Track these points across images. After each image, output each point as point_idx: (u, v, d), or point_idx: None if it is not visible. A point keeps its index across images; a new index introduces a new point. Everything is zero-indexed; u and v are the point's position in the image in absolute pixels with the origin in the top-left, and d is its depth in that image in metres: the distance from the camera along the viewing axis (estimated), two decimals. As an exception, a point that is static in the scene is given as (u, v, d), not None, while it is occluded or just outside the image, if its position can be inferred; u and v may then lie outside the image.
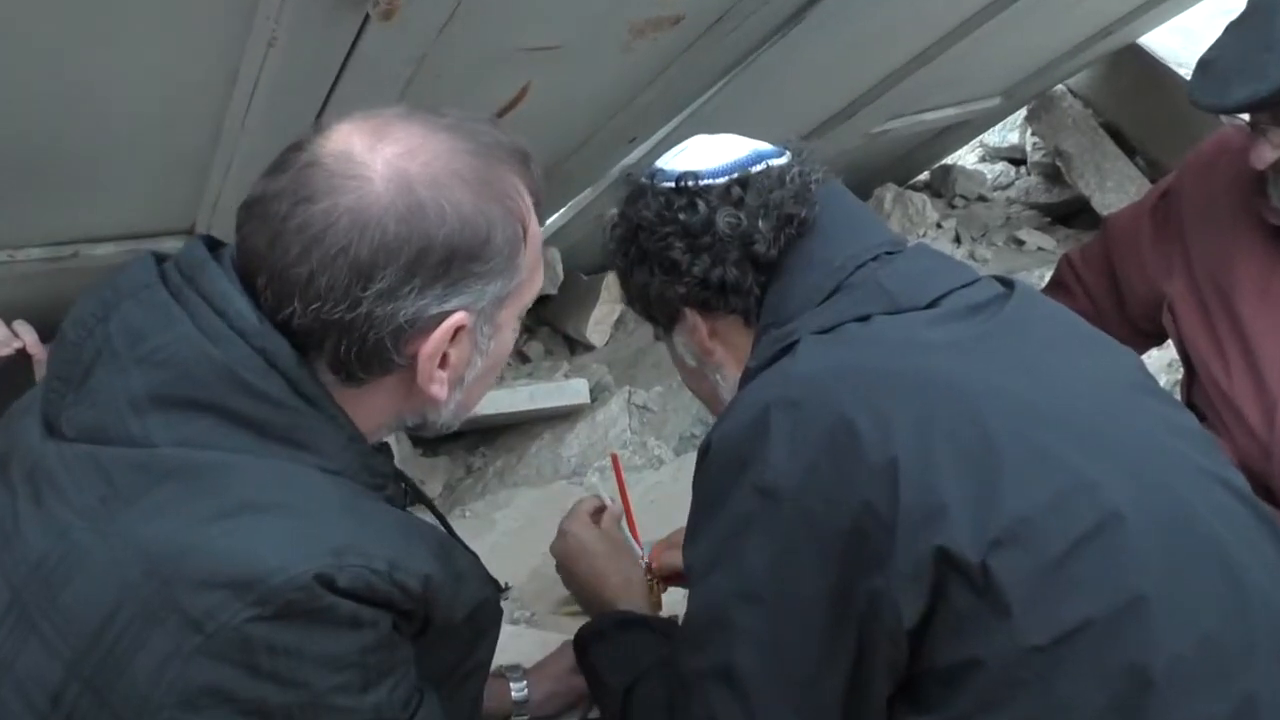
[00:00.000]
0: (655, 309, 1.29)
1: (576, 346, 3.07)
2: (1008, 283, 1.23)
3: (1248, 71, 1.40)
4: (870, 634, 1.02)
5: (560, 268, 2.88)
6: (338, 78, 1.64)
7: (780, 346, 1.15)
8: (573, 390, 2.58)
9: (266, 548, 0.85)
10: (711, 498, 1.10)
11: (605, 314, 3.03)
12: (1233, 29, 1.49)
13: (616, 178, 2.03)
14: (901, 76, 2.58)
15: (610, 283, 3.07)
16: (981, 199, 3.70)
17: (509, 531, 2.23)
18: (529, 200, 1.00)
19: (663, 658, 1.28)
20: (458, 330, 0.95)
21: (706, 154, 1.26)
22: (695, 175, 1.23)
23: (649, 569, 1.56)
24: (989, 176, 3.85)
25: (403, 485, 1.07)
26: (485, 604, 1.03)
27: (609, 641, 1.35)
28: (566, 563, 1.55)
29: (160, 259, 0.98)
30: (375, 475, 0.98)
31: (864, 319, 1.14)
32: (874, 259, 1.19)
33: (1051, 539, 1.00)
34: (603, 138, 2.28)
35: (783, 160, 1.25)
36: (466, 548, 1.07)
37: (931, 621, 1.01)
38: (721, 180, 1.23)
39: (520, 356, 2.99)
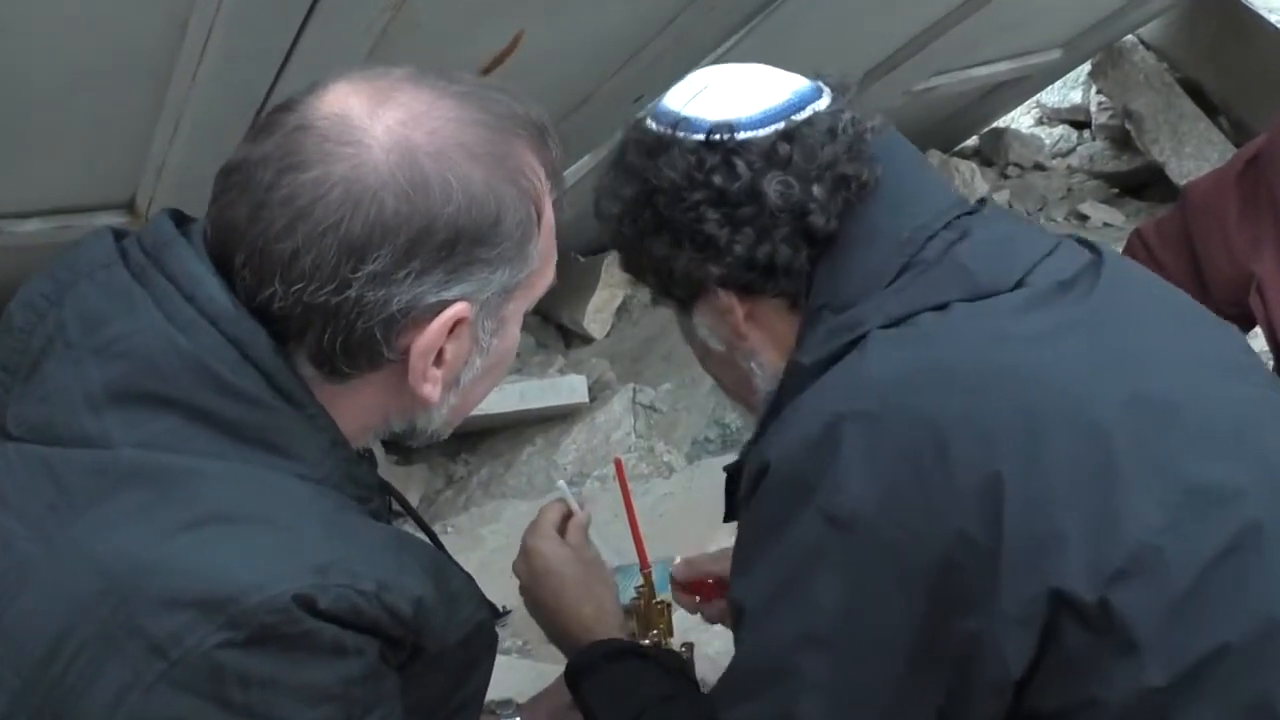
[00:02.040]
0: (676, 286, 1.22)
1: (573, 338, 3.07)
2: (1090, 245, 1.19)
3: None
4: (965, 682, 1.00)
5: (554, 247, 2.89)
6: (302, 27, 1.65)
7: (843, 342, 1.10)
8: (569, 388, 2.59)
9: (239, 564, 0.85)
10: (770, 525, 1.07)
11: (605, 301, 3.04)
12: None
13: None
14: (949, 25, 2.59)
15: (612, 265, 3.08)
16: (1039, 167, 3.71)
17: (497, 549, 2.25)
18: (546, 181, 0.99)
19: (662, 694, 1.28)
20: (457, 324, 0.95)
21: (737, 96, 1.17)
22: (730, 126, 1.15)
23: (645, 594, 1.55)
24: (1047, 141, 3.86)
25: (387, 497, 1.08)
26: (480, 629, 1.04)
27: (601, 674, 1.34)
28: (531, 587, 1.48)
29: (119, 235, 0.98)
30: (359, 486, 0.99)
31: (941, 307, 1.09)
32: (945, 227, 1.14)
33: (1182, 563, 0.98)
34: (605, 95, 2.28)
35: (826, 103, 1.18)
36: (459, 566, 1.08)
37: (1039, 664, 0.99)
38: (763, 133, 1.14)
39: (508, 349, 2.99)
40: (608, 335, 3.03)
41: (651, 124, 1.19)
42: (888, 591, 1.01)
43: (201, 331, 0.90)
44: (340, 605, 0.86)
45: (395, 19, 1.71)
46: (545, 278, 1.03)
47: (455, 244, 0.92)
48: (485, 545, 2.28)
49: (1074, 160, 3.77)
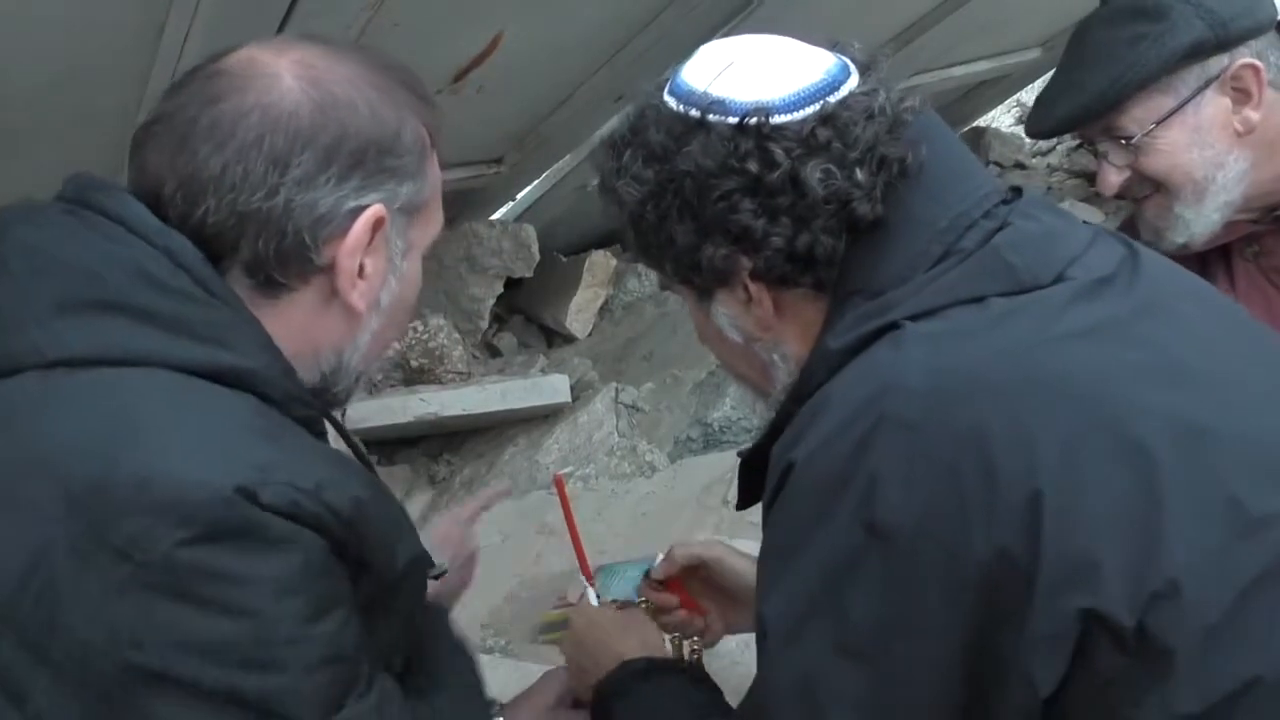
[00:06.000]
0: (698, 275, 1.15)
1: (555, 338, 3.08)
2: (1123, 239, 1.16)
3: (1057, 100, 1.72)
4: (993, 701, 0.98)
5: (535, 247, 2.89)
6: (280, 27, 1.65)
7: (872, 327, 1.07)
8: (551, 388, 2.59)
9: (185, 466, 0.90)
10: (799, 528, 1.03)
11: (588, 300, 3.05)
12: (1059, 65, 1.77)
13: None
14: (929, 23, 2.60)
15: (594, 265, 3.09)
16: (1019, 166, 3.73)
17: (479, 549, 2.24)
18: (431, 124, 1.10)
19: (694, 709, 1.26)
20: (376, 227, 1.04)
21: (766, 75, 1.11)
22: (765, 109, 1.08)
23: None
24: (1027, 141, 3.88)
25: (323, 420, 1.12)
26: (419, 561, 1.09)
27: (630, 695, 1.32)
28: (578, 644, 1.46)
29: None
30: (295, 385, 1.04)
31: (978, 300, 1.06)
32: (984, 215, 1.11)
33: (1222, 588, 0.95)
34: (585, 95, 2.29)
35: (857, 82, 1.13)
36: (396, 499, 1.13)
37: (1069, 684, 0.96)
38: (798, 116, 1.09)
39: (490, 350, 3.00)
40: (590, 335, 3.04)
41: (674, 103, 1.12)
42: (926, 607, 0.98)
43: (133, 243, 0.99)
44: (280, 499, 0.92)
45: (374, 19, 1.72)
46: (436, 218, 1.15)
47: (366, 151, 1.03)
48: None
49: (1054, 159, 3.79)
